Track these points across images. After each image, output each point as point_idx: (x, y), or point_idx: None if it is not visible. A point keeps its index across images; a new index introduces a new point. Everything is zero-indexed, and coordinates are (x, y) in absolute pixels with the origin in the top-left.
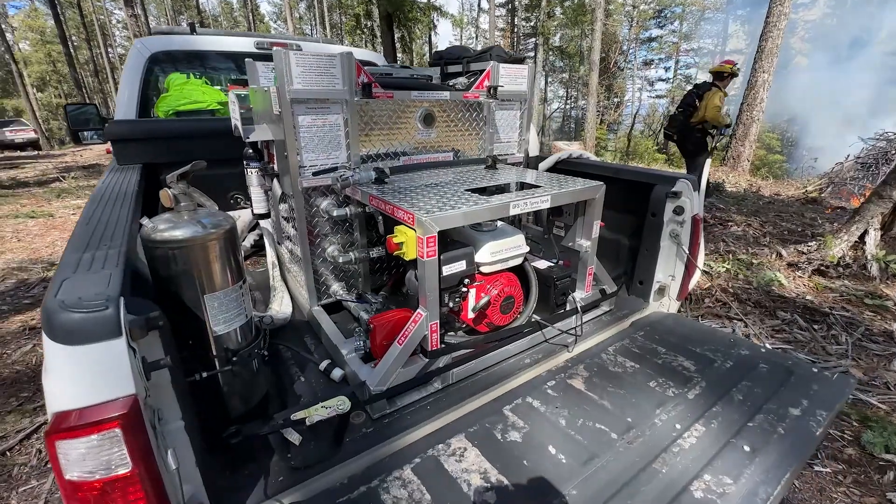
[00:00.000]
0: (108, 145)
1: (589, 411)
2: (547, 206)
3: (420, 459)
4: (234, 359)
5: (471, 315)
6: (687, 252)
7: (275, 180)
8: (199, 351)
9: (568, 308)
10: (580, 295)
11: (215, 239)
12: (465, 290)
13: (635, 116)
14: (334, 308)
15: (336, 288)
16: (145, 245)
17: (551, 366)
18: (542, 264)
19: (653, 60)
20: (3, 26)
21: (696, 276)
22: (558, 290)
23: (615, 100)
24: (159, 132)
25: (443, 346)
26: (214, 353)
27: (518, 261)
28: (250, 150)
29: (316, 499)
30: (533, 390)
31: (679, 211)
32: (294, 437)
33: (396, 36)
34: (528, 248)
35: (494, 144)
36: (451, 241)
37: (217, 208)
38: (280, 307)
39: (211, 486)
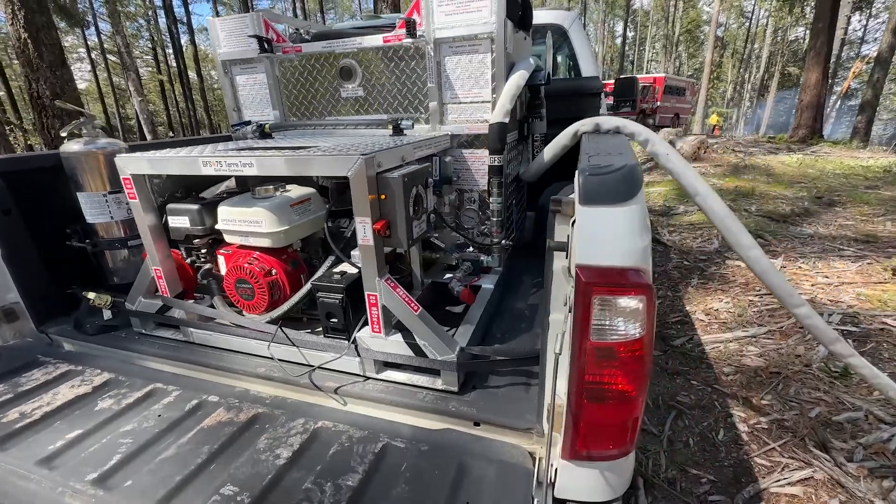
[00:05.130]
0: None
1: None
2: (252, 172)
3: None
4: (88, 241)
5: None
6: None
7: None
8: (80, 228)
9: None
10: (365, 335)
11: (85, 156)
12: (204, 251)
13: None
14: None
15: None
16: None
17: (272, 391)
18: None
19: None
20: None
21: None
22: (323, 305)
23: None
24: None
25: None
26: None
27: (259, 241)
28: None
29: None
30: (199, 391)
31: (562, 249)
32: (107, 314)
33: None
34: (270, 230)
35: (449, 105)
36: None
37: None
38: None
39: (40, 308)
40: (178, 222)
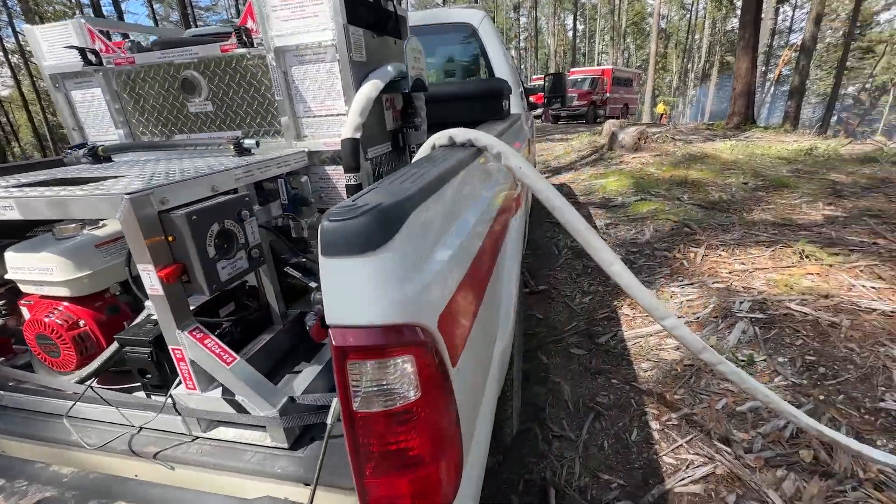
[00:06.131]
0: None
1: None
2: (14, 216)
3: None
4: None
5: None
6: None
7: None
8: None
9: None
10: (183, 391)
11: None
12: (1, 303)
13: None
14: None
15: None
16: None
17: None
18: None
19: None
20: None
21: None
22: (132, 361)
23: None
24: None
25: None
26: None
27: (56, 290)
28: None
29: None
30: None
31: None
32: None
33: None
34: (66, 277)
35: (303, 119)
36: None
37: None
38: None
39: None
40: None
